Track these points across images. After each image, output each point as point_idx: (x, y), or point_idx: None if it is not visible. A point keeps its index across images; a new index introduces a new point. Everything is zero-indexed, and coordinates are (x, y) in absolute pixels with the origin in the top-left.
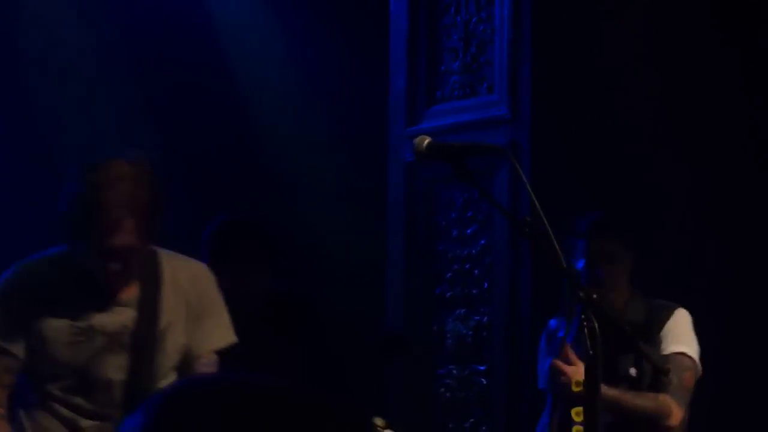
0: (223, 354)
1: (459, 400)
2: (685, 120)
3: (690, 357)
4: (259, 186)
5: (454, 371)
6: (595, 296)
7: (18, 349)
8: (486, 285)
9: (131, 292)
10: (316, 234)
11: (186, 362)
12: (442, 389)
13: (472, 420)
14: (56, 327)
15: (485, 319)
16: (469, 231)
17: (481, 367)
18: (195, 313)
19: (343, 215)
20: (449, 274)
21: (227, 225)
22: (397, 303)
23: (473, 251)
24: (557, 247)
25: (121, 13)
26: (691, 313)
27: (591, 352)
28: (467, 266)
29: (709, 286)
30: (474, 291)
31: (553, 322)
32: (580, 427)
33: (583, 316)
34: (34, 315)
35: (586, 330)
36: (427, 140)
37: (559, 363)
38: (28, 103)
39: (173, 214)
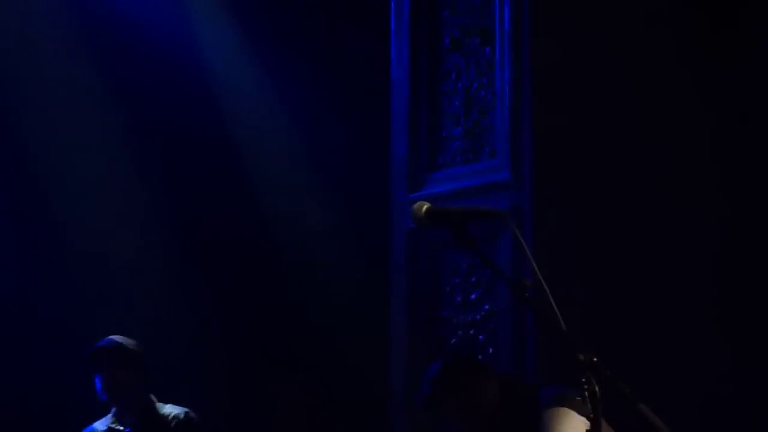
0: None
1: None
2: (691, 181)
3: None
4: (260, 253)
5: None
6: (595, 359)
7: None
8: (491, 350)
9: None
10: (319, 301)
11: None
12: None
13: None
14: None
15: None
16: (473, 296)
17: None
18: None
19: (346, 283)
20: (454, 339)
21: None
22: (401, 369)
23: (477, 317)
24: (557, 311)
25: (117, 67)
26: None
27: (592, 415)
28: (471, 332)
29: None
30: (479, 357)
31: None
32: None
33: (583, 380)
34: None
35: (587, 393)
36: (425, 206)
37: None
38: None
39: (172, 279)
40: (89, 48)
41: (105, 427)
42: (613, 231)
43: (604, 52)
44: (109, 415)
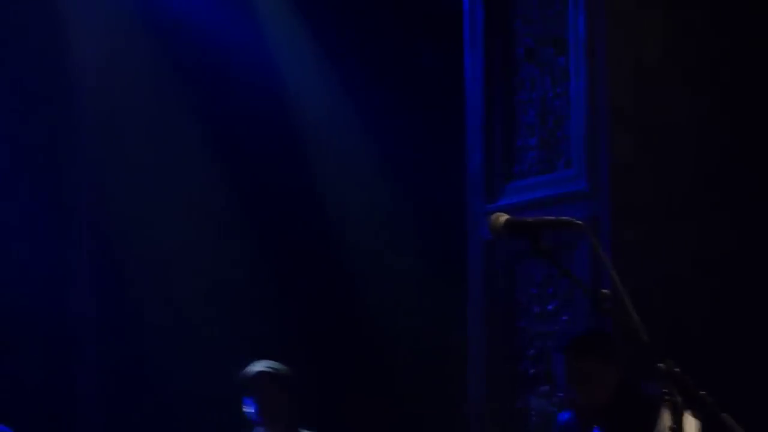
0: None
1: None
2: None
3: None
4: (337, 265)
5: None
6: (676, 369)
7: None
8: None
9: None
10: (396, 312)
11: None
12: None
13: None
14: None
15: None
16: (550, 307)
17: None
18: None
19: (423, 294)
20: (532, 351)
21: None
22: (479, 381)
23: (555, 327)
24: (638, 321)
25: (195, 92)
26: None
27: (675, 426)
28: (549, 343)
29: None
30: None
31: (563, 416)
32: None
33: (665, 390)
34: None
35: (668, 404)
36: (503, 217)
37: None
38: None
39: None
40: (171, 65)
41: None
42: (691, 239)
43: (680, 59)
44: None
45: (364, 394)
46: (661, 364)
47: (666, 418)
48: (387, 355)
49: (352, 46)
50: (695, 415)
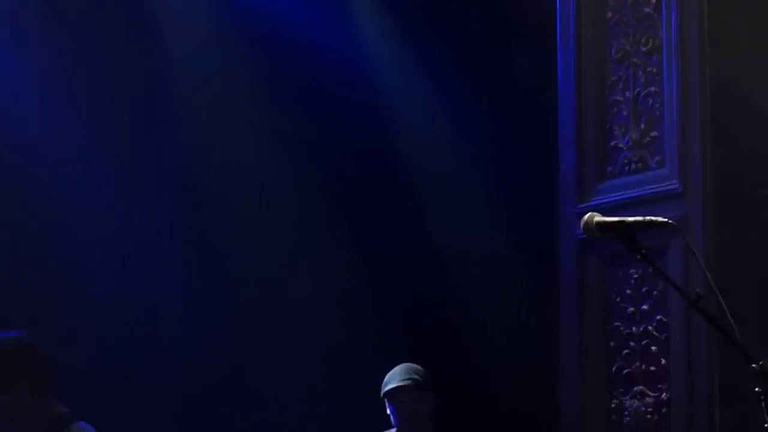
0: None
1: None
2: None
3: None
4: (427, 263)
5: None
6: None
7: None
8: (663, 361)
9: None
10: (487, 312)
11: None
12: None
13: None
14: None
15: (664, 395)
16: (644, 307)
17: None
18: None
19: (514, 294)
20: (625, 350)
21: None
22: (572, 380)
23: (649, 327)
24: (732, 322)
25: (290, 90)
26: None
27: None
28: (643, 342)
29: None
30: (652, 368)
31: None
32: None
33: (758, 390)
34: None
35: (764, 404)
36: (596, 217)
37: None
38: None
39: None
40: (257, 65)
41: None
42: None
43: None
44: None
45: (457, 395)
46: (755, 365)
47: None
48: (478, 356)
49: (443, 47)
50: None
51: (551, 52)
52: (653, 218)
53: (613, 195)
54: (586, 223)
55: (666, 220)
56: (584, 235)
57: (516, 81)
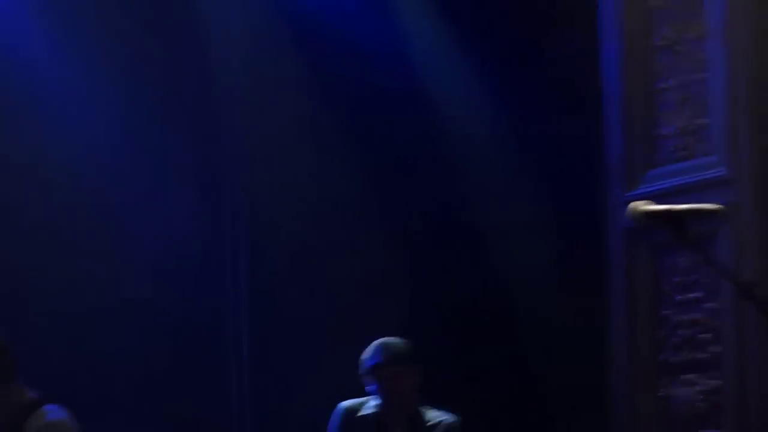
0: None
1: None
2: None
3: None
4: (475, 255)
5: None
6: None
7: None
8: (713, 350)
9: None
10: (536, 300)
11: None
12: None
13: None
14: None
15: (714, 384)
16: (693, 295)
17: None
18: None
19: (562, 283)
20: (675, 339)
21: None
22: (621, 369)
23: (699, 315)
24: None
25: (329, 81)
26: None
27: None
28: (693, 331)
29: None
30: (701, 356)
31: None
32: None
33: None
34: None
35: None
36: (644, 205)
37: None
38: None
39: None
40: (312, 64)
41: (370, 412)
42: None
43: None
44: (370, 404)
45: (502, 383)
46: None
47: None
48: (526, 345)
49: (487, 33)
50: None
51: (596, 38)
52: (702, 205)
53: (661, 183)
54: (634, 211)
55: (715, 206)
56: (632, 224)
57: (562, 68)
